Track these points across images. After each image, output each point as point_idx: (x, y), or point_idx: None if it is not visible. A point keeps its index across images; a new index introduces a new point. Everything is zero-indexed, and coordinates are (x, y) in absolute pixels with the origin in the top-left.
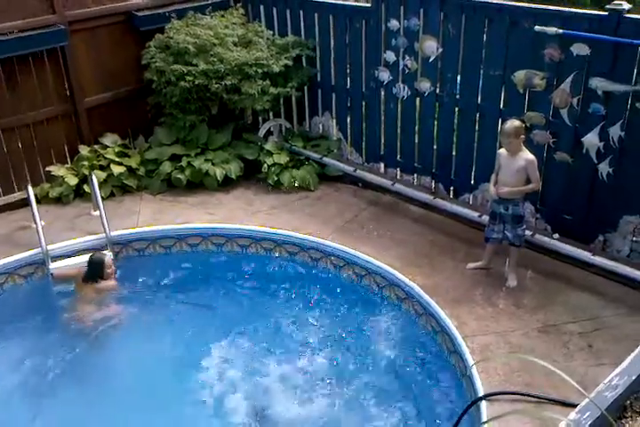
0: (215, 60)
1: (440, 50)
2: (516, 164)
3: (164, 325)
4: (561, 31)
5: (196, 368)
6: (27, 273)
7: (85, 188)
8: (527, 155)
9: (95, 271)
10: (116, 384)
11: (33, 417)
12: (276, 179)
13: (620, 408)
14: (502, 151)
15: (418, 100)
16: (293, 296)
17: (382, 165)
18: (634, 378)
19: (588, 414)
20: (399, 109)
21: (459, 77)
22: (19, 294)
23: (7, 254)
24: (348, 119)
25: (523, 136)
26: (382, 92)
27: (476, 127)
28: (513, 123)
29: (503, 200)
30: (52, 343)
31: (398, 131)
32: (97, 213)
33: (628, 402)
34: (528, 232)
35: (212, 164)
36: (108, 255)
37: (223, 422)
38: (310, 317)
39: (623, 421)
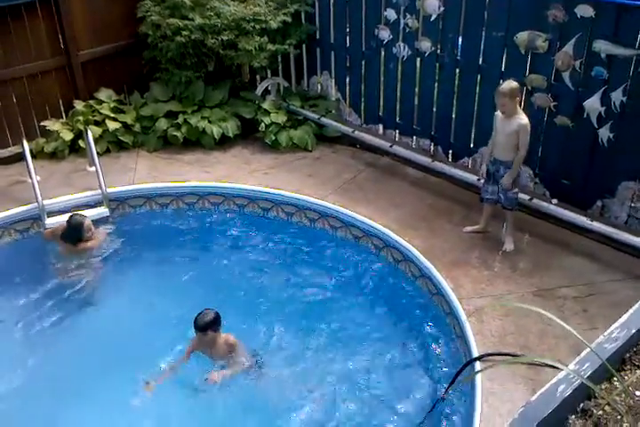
0: (212, 14)
1: (442, 8)
2: (509, 127)
3: (155, 281)
4: None
5: (184, 324)
6: (22, 228)
7: (81, 143)
8: (522, 119)
9: (74, 234)
10: (101, 342)
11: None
12: (273, 138)
13: (619, 361)
14: (499, 113)
15: (418, 60)
16: (288, 256)
17: (381, 126)
18: (633, 331)
19: (587, 365)
20: (399, 70)
21: (460, 38)
22: (14, 248)
23: (3, 209)
24: (347, 79)
25: (518, 98)
26: (382, 52)
27: (477, 90)
28: (510, 84)
29: (497, 161)
30: (42, 299)
31: (398, 92)
32: (92, 168)
33: (628, 355)
34: (525, 196)
35: (209, 121)
36: (88, 218)
37: None
38: (303, 276)
39: (622, 373)
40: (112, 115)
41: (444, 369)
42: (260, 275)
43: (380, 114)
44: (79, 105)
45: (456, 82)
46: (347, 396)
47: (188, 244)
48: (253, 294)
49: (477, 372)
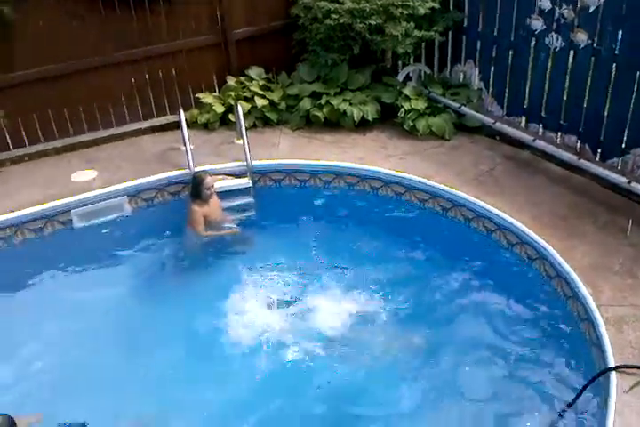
0: None
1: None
2: None
3: (282, 252)
4: None
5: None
6: (174, 191)
7: (230, 117)
8: None
9: (193, 189)
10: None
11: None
12: (411, 124)
13: None
14: None
15: (572, 52)
16: (417, 242)
17: (524, 119)
18: None
19: None
20: (549, 61)
21: (620, 31)
22: (166, 209)
23: (159, 172)
24: (492, 69)
25: None
26: (532, 42)
27: (635, 87)
28: None
29: None
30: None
31: (546, 84)
32: (240, 141)
33: None
34: None
35: (350, 104)
36: (210, 177)
37: None
38: (428, 265)
39: None
40: (261, 92)
41: (574, 377)
42: (385, 258)
43: (525, 106)
44: (231, 81)
45: (612, 77)
46: (464, 399)
47: (320, 220)
48: (381, 275)
49: (632, 387)
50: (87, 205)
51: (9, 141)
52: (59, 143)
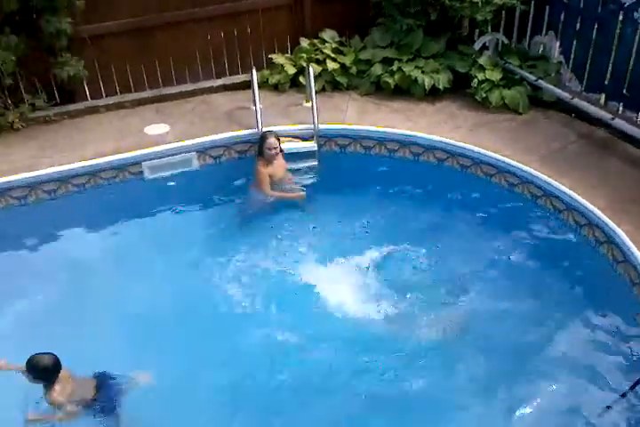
0: None
1: None
2: None
3: (348, 217)
4: None
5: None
6: (241, 150)
7: (301, 79)
8: None
9: (258, 148)
10: None
11: None
12: (484, 96)
13: None
14: None
15: None
16: (478, 217)
17: (603, 96)
18: None
19: None
20: (637, 37)
21: None
22: (232, 167)
23: (228, 130)
24: (574, 42)
25: None
26: (620, 16)
27: None
28: None
29: None
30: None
31: (631, 61)
32: (308, 104)
33: None
34: None
35: (422, 71)
36: (274, 138)
37: None
38: (494, 242)
39: None
40: (333, 55)
41: (632, 366)
42: (444, 232)
43: (605, 83)
44: (304, 42)
45: None
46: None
47: (382, 189)
48: (437, 247)
49: None
50: (158, 158)
51: (87, 92)
52: (134, 96)
